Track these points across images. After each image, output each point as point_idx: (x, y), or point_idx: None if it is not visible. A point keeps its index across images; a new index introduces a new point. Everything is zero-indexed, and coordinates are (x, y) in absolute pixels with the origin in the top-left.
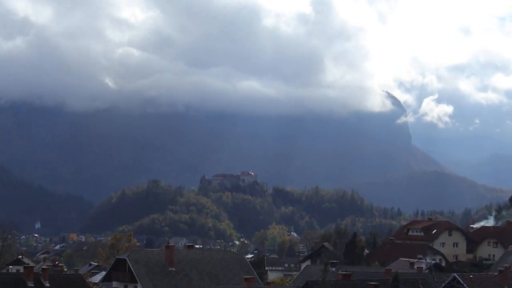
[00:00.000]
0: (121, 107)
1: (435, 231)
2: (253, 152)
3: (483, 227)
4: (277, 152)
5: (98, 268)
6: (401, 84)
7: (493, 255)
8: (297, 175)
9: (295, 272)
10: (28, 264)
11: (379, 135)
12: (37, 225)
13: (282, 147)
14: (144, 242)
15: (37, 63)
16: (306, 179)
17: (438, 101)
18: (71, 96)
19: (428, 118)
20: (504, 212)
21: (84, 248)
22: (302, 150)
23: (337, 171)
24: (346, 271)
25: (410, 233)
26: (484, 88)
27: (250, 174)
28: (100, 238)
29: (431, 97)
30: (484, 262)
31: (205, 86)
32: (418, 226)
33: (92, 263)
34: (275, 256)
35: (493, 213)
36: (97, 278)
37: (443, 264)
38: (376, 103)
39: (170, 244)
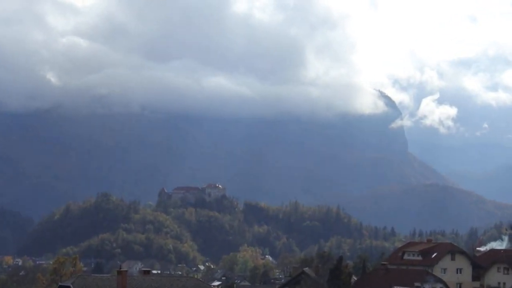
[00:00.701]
0: (66, 107)
1: (435, 254)
2: (221, 161)
3: (492, 250)
4: (249, 161)
5: None
6: (396, 82)
7: (504, 283)
8: (273, 188)
9: None
10: None
11: (370, 141)
12: None
13: (255, 155)
14: (92, 266)
15: None
16: (284, 193)
17: (440, 101)
18: (6, 93)
19: (427, 122)
20: None
21: (21, 274)
22: (279, 159)
23: (320, 184)
24: None
25: (406, 257)
26: (494, 87)
27: (218, 186)
28: (40, 262)
29: (431, 97)
30: None
31: (165, 83)
32: (416, 248)
33: None
34: (246, 283)
35: (507, 233)
36: None
37: None
38: (367, 103)
39: (122, 269)
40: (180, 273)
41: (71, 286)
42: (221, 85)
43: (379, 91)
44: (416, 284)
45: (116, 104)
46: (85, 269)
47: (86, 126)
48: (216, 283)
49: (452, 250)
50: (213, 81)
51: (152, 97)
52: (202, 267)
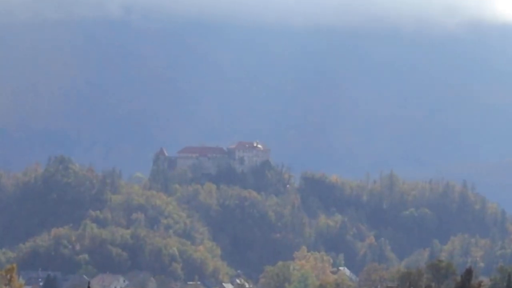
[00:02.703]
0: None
1: None
2: (260, 102)
3: None
4: (310, 103)
5: None
6: None
7: None
8: (351, 151)
9: None
10: None
11: None
12: None
13: (319, 93)
14: (41, 283)
15: None
16: (369, 159)
17: None
18: None
19: None
20: None
21: None
22: (360, 100)
23: (431, 144)
24: None
25: None
26: None
27: (256, 147)
28: None
29: None
30: None
31: None
32: None
33: None
34: None
35: None
36: None
37: None
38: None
39: None
40: None
41: None
42: None
43: None
44: None
45: (81, 5)
46: None
47: (30, 40)
48: None
49: None
50: None
51: None
52: (230, 287)
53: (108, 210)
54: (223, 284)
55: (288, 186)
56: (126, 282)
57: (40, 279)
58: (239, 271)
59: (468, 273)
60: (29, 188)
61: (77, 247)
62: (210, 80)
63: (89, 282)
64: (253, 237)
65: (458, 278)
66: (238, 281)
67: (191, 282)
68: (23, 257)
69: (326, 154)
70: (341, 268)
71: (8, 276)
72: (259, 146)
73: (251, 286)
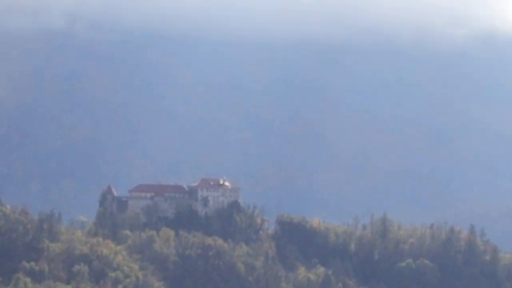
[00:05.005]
0: None
1: None
2: (228, 131)
3: None
4: (287, 131)
5: None
6: None
7: None
8: (334, 189)
9: None
10: None
11: None
12: None
13: (297, 119)
14: None
15: None
16: (355, 198)
17: None
18: None
19: None
20: None
21: None
22: (344, 127)
23: (430, 183)
24: None
25: None
26: None
27: (222, 185)
28: None
29: None
30: None
31: None
32: None
33: None
34: None
35: None
36: None
37: None
38: None
39: None
40: None
41: None
42: None
43: None
44: None
45: (14, 14)
46: None
47: None
48: None
49: None
50: None
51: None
52: None
53: (45, 261)
54: None
55: (261, 232)
56: None
57: None
58: None
59: None
60: None
61: None
62: (168, 104)
63: None
64: None
65: None
66: None
67: None
68: None
69: (307, 193)
70: None
71: None
72: (226, 183)
73: None
